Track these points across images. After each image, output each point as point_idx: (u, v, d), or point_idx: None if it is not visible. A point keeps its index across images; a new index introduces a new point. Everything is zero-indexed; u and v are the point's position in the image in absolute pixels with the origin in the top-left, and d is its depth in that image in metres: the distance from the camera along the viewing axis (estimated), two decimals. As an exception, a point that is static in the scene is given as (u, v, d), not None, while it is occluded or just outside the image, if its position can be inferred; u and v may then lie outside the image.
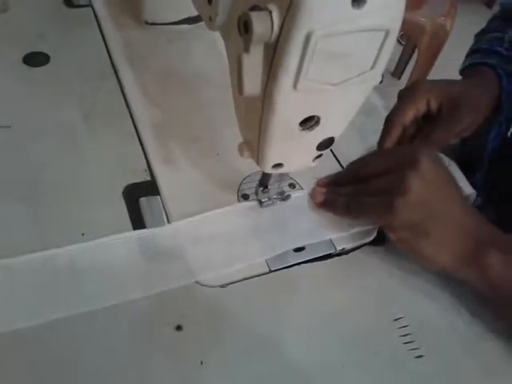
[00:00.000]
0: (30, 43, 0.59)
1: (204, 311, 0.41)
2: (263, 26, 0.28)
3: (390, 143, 0.51)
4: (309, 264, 0.45)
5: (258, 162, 0.41)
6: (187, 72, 0.60)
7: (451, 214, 0.42)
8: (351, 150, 0.53)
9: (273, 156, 0.39)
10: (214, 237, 0.45)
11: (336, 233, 0.47)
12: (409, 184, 0.40)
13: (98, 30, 0.63)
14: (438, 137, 0.50)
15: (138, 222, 0.45)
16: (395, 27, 0.30)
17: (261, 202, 0.47)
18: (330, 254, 0.47)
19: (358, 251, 0.47)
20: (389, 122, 0.52)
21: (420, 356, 0.41)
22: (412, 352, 0.41)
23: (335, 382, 0.39)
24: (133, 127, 0.53)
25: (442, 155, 0.49)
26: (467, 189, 0.53)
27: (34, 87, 0.55)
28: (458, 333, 0.43)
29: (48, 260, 0.41)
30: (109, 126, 0.52)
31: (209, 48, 0.62)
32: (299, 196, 0.48)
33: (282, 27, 0.29)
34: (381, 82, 0.35)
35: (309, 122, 0.36)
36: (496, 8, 0.68)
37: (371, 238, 0.48)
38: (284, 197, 0.48)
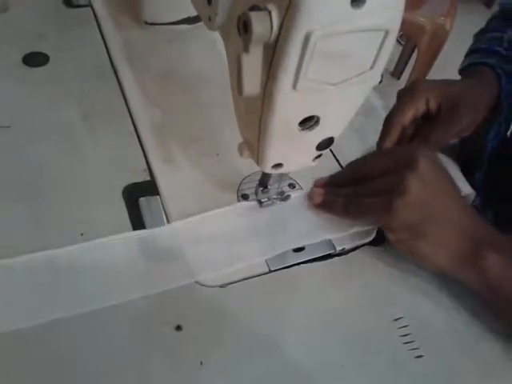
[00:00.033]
0: (30, 43, 0.59)
1: (204, 311, 0.41)
2: (263, 26, 0.28)
3: (389, 143, 0.51)
4: (308, 264, 0.45)
5: (257, 162, 0.41)
6: (187, 72, 0.60)
7: (449, 214, 0.42)
8: (351, 150, 0.53)
9: (272, 156, 0.39)
10: (214, 237, 0.45)
11: (335, 233, 0.47)
12: (407, 185, 0.40)
13: (97, 30, 0.63)
14: (437, 137, 0.50)
15: (137, 222, 0.45)
16: (395, 27, 0.30)
17: (261, 202, 0.47)
18: (329, 254, 0.47)
19: (357, 251, 0.47)
20: (388, 122, 0.52)
21: (420, 356, 0.41)
22: (412, 352, 0.41)
23: (335, 382, 0.39)
24: (132, 127, 0.53)
25: (441, 155, 0.49)
26: (466, 189, 0.53)
27: (33, 87, 0.55)
28: (457, 333, 0.43)
29: (48, 260, 0.41)
30: (108, 126, 0.52)
31: (208, 48, 0.62)
32: (299, 196, 0.48)
33: (281, 27, 0.29)
34: (380, 82, 0.35)
35: (308, 122, 0.36)
36: (495, 8, 0.68)
37: (371, 238, 0.48)
38: (284, 197, 0.48)
